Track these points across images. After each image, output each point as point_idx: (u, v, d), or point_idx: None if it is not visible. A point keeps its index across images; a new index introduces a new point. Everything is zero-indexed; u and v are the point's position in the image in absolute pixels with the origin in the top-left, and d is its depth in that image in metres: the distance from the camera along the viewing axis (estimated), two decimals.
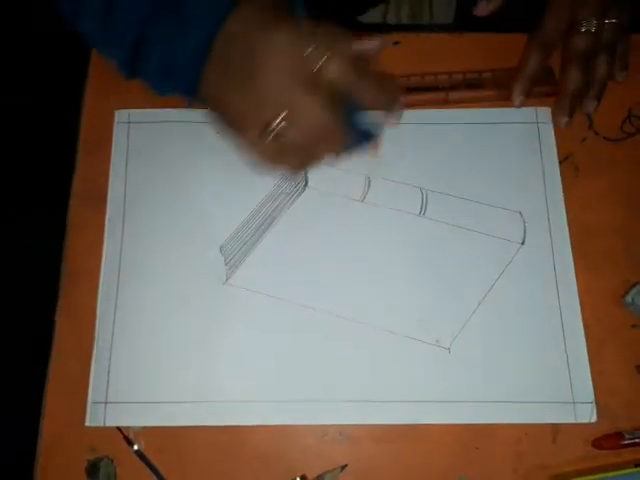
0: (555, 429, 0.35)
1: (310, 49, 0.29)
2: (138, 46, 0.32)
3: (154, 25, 0.31)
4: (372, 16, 0.60)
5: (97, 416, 0.35)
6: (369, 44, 0.32)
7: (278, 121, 0.30)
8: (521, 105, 0.41)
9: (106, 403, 0.35)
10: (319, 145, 0.32)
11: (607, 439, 0.34)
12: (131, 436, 0.35)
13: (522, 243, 0.38)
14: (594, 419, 0.35)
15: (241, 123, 0.31)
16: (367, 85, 0.31)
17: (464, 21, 0.60)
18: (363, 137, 0.33)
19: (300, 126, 0.30)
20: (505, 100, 0.42)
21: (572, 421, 0.35)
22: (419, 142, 0.41)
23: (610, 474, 0.33)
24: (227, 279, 0.37)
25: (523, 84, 0.40)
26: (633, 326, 0.37)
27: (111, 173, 0.40)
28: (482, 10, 0.40)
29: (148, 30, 0.31)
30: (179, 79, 0.32)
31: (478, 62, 0.43)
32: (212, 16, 0.30)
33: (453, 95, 0.42)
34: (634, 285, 0.37)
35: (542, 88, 0.41)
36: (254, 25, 0.30)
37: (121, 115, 0.41)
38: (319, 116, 0.30)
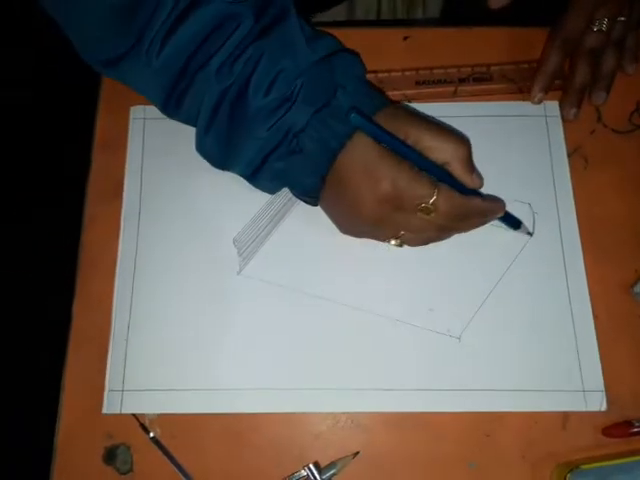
0: (565, 417, 0.35)
1: (422, 192, 0.32)
2: (257, 170, 0.36)
3: (273, 156, 0.35)
4: (365, 12, 0.61)
5: (114, 404, 0.36)
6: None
7: (393, 242, 0.36)
8: (540, 102, 0.41)
9: (123, 391, 0.36)
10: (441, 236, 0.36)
11: (617, 427, 0.35)
12: (147, 423, 0.36)
13: (531, 234, 0.39)
14: (604, 407, 0.35)
15: (359, 235, 0.37)
16: (473, 221, 0.36)
17: (451, 15, 0.61)
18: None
19: (417, 239, 0.36)
20: (513, 93, 0.42)
21: (582, 409, 0.35)
22: None
23: (619, 461, 0.33)
24: (241, 270, 0.38)
25: (543, 81, 0.41)
26: None
27: (127, 168, 0.41)
28: (496, 3, 0.40)
29: (268, 158, 0.35)
30: (291, 188, 0.37)
31: (486, 56, 0.43)
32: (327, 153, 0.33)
33: (462, 88, 0.42)
34: None
35: (555, 82, 0.42)
36: (371, 157, 0.32)
37: (137, 111, 0.42)
38: (430, 233, 0.35)
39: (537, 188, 0.40)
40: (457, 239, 0.38)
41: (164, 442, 0.35)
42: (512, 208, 0.39)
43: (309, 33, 0.35)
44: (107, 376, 0.36)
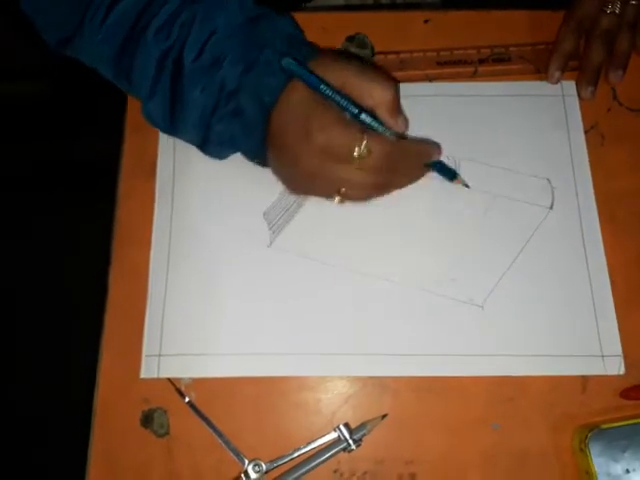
0: (584, 381, 0.37)
1: (352, 139, 0.32)
2: (205, 137, 0.37)
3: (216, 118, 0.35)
4: None
5: (151, 368, 0.37)
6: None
7: (337, 199, 0.36)
8: (557, 81, 0.43)
9: (160, 356, 0.37)
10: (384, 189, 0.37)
11: (634, 390, 0.36)
12: (182, 388, 0.37)
13: (550, 208, 0.40)
14: (622, 371, 0.36)
15: (303, 192, 0.38)
16: (408, 165, 0.36)
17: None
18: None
19: (357, 194, 0.36)
20: (531, 73, 0.44)
21: (601, 373, 0.36)
22: (451, 113, 0.43)
23: (637, 421, 0.35)
24: (271, 242, 0.39)
25: (559, 61, 0.43)
26: None
27: (160, 146, 0.42)
28: None
29: (210, 121, 0.35)
30: (240, 150, 0.38)
31: (505, 38, 0.44)
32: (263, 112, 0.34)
33: (481, 69, 0.43)
34: None
35: (570, 63, 0.43)
36: (302, 109, 0.33)
37: None
38: (369, 187, 0.35)
39: (556, 164, 0.41)
40: (478, 213, 0.40)
41: (199, 406, 0.37)
42: (532, 183, 0.41)
43: None
44: (145, 341, 0.38)
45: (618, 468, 0.34)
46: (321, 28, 0.45)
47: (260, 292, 0.38)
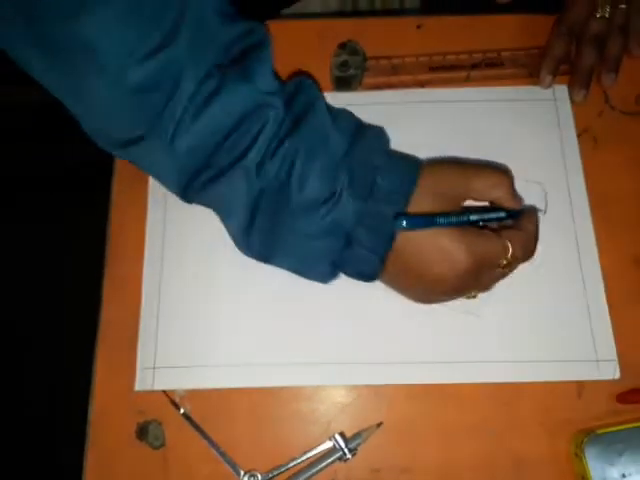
0: (580, 386, 0.37)
1: (499, 251, 0.33)
2: (310, 266, 0.36)
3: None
4: (343, 4, 0.61)
5: (146, 381, 0.37)
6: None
7: (470, 294, 0.36)
8: (549, 86, 0.43)
9: (154, 368, 0.37)
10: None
11: (630, 394, 0.36)
12: (177, 400, 0.37)
13: (544, 212, 0.40)
14: (617, 375, 0.36)
15: (436, 302, 0.37)
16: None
17: (430, 5, 0.62)
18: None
19: (489, 286, 0.36)
20: (524, 78, 0.44)
21: (596, 378, 0.36)
22: (443, 119, 0.42)
23: (634, 425, 0.35)
24: None
25: (550, 65, 0.42)
26: None
27: None
28: None
29: (325, 256, 0.34)
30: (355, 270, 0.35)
31: (498, 42, 0.44)
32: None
33: (474, 73, 0.43)
34: None
35: (562, 67, 0.43)
36: (433, 236, 0.32)
37: None
38: (505, 276, 0.36)
39: (548, 168, 0.41)
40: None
41: (195, 417, 0.37)
42: (524, 188, 0.41)
43: (332, 113, 0.34)
44: (139, 353, 0.37)
45: (614, 472, 0.34)
46: (315, 35, 0.45)
47: (254, 302, 0.38)
